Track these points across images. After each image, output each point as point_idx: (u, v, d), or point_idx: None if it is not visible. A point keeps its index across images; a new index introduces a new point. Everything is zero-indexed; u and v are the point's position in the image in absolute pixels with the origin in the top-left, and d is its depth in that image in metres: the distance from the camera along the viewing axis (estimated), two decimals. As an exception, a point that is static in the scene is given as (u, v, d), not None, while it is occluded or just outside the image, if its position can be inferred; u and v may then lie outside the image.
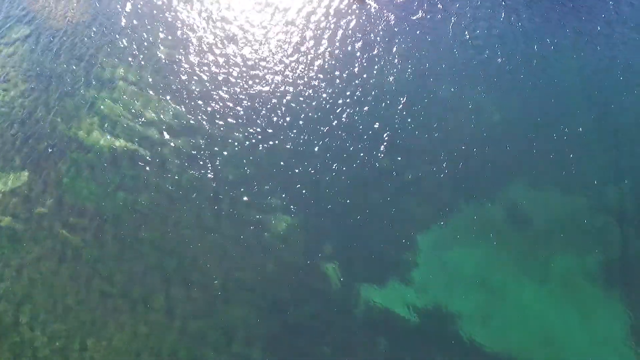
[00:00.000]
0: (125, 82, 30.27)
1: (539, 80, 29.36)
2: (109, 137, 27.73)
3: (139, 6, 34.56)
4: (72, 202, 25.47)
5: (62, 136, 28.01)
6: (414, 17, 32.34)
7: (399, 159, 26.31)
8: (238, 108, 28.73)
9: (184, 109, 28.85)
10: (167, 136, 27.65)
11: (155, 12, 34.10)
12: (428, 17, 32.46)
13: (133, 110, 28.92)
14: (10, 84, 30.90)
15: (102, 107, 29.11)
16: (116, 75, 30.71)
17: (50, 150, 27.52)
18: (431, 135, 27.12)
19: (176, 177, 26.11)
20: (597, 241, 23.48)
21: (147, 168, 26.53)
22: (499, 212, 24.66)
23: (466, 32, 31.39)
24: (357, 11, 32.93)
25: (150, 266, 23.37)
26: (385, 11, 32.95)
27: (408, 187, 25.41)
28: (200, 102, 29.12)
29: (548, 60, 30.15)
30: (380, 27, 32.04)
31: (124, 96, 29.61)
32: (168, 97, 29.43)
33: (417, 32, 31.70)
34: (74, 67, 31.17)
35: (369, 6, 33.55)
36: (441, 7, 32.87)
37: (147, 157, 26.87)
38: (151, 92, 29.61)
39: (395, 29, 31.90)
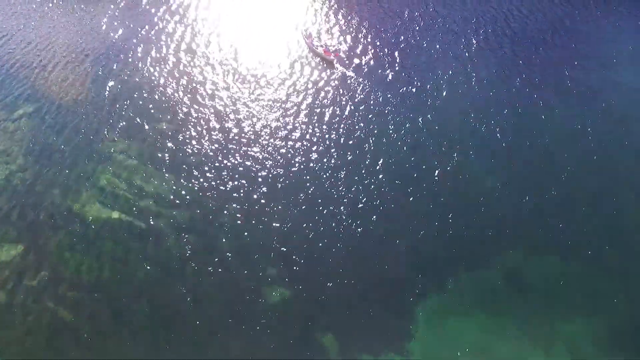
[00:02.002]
0: (124, 156, 31.19)
1: (529, 144, 30.87)
2: (106, 209, 28.03)
3: (139, 84, 36.57)
4: (66, 275, 25.13)
5: (59, 209, 28.25)
6: (396, 83, 34.60)
7: (394, 227, 26.72)
8: (233, 179, 29.48)
9: (181, 181, 29.52)
10: (163, 208, 28.03)
11: (155, 90, 36.05)
12: (415, 84, 34.68)
13: (131, 183, 29.53)
14: (11, 158, 31.65)
15: (100, 180, 29.72)
16: (116, 149, 31.71)
17: (46, 223, 27.59)
18: (425, 203, 27.83)
19: (172, 249, 26.11)
20: (600, 305, 23.48)
21: (143, 240, 26.57)
22: (498, 279, 24.74)
23: (441, 94, 33.45)
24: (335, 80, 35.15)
25: (144, 341, 22.61)
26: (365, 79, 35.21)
27: (404, 256, 25.55)
28: (196, 173, 29.90)
29: (537, 122, 31.98)
30: (365, 95, 34.04)
31: (123, 169, 30.37)
32: (165, 170, 30.22)
33: (397, 96, 33.68)
34: (75, 142, 32.21)
35: (339, 70, 36.25)
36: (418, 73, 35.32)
37: (144, 229, 27.02)
38: (149, 165, 30.45)
39: (378, 94, 33.90)
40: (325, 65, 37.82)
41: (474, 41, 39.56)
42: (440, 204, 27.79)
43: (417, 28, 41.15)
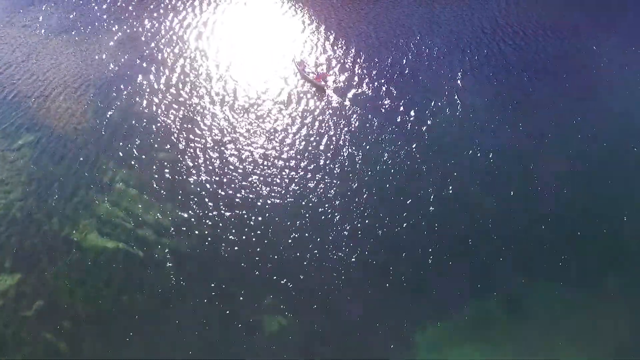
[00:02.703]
0: (124, 185, 31.58)
1: (527, 170, 31.63)
2: (104, 238, 28.21)
3: (139, 114, 37.29)
4: (62, 305, 25.07)
5: (57, 238, 28.39)
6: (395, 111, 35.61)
7: (391, 255, 27.06)
8: (231, 208, 29.87)
9: (179, 210, 29.85)
10: (162, 237, 28.26)
11: (154, 119, 36.76)
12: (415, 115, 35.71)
13: (129, 212, 29.81)
14: (11, 187, 31.89)
15: (99, 209, 29.99)
16: (116, 178, 32.10)
17: (44, 252, 27.69)
18: (422, 230, 28.26)
19: (170, 278, 26.21)
20: (603, 332, 23.66)
21: (141, 269, 26.69)
22: (498, 306, 24.95)
23: (433, 118, 34.44)
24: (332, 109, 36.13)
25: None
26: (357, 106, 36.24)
27: (402, 284, 25.79)
28: (194, 202, 30.26)
29: (531, 148, 32.94)
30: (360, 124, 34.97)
31: (122, 198, 30.70)
32: (164, 199, 30.58)
33: (391, 123, 34.59)
34: (75, 171, 32.61)
35: (331, 97, 37.75)
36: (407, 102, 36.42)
37: (142, 258, 27.17)
38: (148, 194, 30.82)
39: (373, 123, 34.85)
40: (317, 91, 39.11)
41: (465, 69, 40.95)
42: (437, 230, 28.23)
43: (410, 56, 42.51)
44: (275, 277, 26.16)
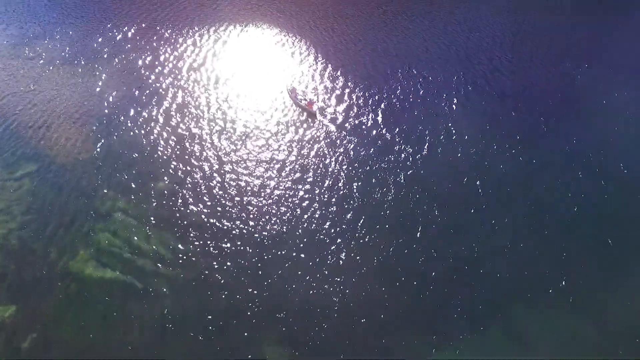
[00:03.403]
0: (123, 215, 31.77)
1: (529, 201, 32.15)
2: (102, 268, 28.21)
3: (139, 144, 37.86)
4: (58, 337, 24.84)
5: (55, 268, 28.35)
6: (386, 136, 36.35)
7: (389, 287, 27.15)
8: (229, 239, 30.06)
9: (177, 240, 30.00)
10: (160, 267, 28.30)
11: (154, 149, 37.32)
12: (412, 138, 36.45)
13: (128, 242, 29.91)
14: (10, 216, 31.99)
15: (98, 239, 30.08)
16: (115, 208, 32.33)
17: (41, 282, 27.61)
18: (418, 260, 28.46)
19: (168, 309, 26.12)
20: None
21: (139, 300, 26.60)
22: (502, 339, 24.91)
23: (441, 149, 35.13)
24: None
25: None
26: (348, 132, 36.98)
27: (401, 318, 25.80)
28: (193, 233, 30.45)
29: (524, 178, 33.59)
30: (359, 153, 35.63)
31: (121, 228, 30.84)
32: (163, 229, 30.75)
33: (384, 153, 35.25)
34: (75, 201, 32.82)
35: (324, 124, 38.83)
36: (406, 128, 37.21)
37: (140, 289, 27.13)
38: (147, 224, 31.01)
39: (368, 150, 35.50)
40: (308, 117, 40.33)
41: (459, 99, 42.12)
42: (434, 260, 28.44)
43: (402, 86, 43.69)
44: (273, 309, 26.13)
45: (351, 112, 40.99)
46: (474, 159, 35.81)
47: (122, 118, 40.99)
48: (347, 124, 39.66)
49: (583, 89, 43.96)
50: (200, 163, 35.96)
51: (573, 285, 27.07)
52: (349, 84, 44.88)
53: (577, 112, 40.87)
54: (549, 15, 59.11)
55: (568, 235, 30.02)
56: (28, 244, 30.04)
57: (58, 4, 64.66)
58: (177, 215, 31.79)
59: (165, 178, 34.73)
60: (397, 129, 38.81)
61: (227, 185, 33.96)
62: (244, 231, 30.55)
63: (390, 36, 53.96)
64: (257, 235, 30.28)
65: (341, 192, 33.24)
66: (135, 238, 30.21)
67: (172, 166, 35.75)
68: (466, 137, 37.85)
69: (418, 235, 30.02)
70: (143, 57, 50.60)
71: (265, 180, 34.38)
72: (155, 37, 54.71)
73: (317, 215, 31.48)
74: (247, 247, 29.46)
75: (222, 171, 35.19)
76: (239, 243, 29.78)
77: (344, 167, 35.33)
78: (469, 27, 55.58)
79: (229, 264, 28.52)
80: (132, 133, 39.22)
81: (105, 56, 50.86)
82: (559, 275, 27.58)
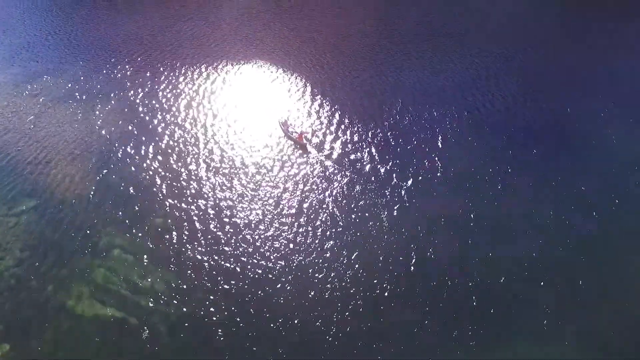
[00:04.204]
0: (120, 251, 31.93)
1: (525, 236, 32.55)
2: (99, 305, 28.15)
3: (139, 180, 38.44)
4: (52, 376, 24.56)
5: (51, 305, 28.25)
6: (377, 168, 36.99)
7: (389, 323, 27.14)
8: (227, 277, 30.18)
9: (174, 277, 30.09)
10: (158, 304, 28.27)
11: (152, 185, 37.87)
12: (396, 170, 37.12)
13: (126, 279, 29.97)
14: (6, 253, 32.08)
15: (95, 276, 30.13)
16: (112, 244, 32.51)
17: (36, 320, 27.43)
18: (414, 297, 28.56)
19: (165, 347, 25.95)
20: None
21: (136, 338, 26.44)
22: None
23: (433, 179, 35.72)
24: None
25: None
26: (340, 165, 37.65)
27: (399, 350, 25.70)
28: (191, 269, 30.58)
29: (529, 214, 34.03)
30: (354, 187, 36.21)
31: (118, 265, 30.95)
32: (160, 265, 30.88)
33: (377, 187, 35.83)
34: (73, 237, 33.01)
35: (315, 157, 40.35)
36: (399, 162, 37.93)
37: (137, 326, 27.00)
38: (144, 261, 31.15)
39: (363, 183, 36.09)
40: (299, 149, 41.64)
41: (450, 135, 43.16)
42: (431, 298, 28.53)
43: (395, 121, 44.81)
44: (272, 346, 26.02)
45: (346, 148, 41.95)
46: (469, 194, 36.43)
47: (121, 154, 41.74)
48: (342, 159, 40.51)
49: (575, 120, 45.24)
50: (197, 199, 36.45)
51: (581, 316, 27.14)
52: (344, 119, 46.08)
53: (571, 145, 41.88)
54: (539, 47, 61.36)
55: (567, 273, 30.32)
56: (23, 281, 30.02)
57: (59, 45, 66.78)
58: (174, 251, 31.98)
59: (163, 214, 35.09)
60: (391, 164, 39.65)
61: (223, 222, 34.32)
62: (240, 268, 30.71)
63: (385, 73, 55.75)
64: (253, 271, 30.43)
65: (337, 227, 33.64)
66: (132, 274, 30.27)
67: (169, 202, 36.19)
68: (460, 172, 38.65)
69: (412, 269, 30.24)
70: (141, 94, 51.93)
71: (261, 216, 34.80)
72: (152, 75, 56.32)
73: (312, 250, 31.75)
74: (243, 285, 29.55)
75: (218, 207, 35.63)
76: (234, 281, 29.87)
77: (339, 202, 35.87)
78: (463, 65, 57.48)
79: (225, 300, 28.54)
80: (130, 169, 39.85)
81: (105, 93, 52.20)
82: (564, 306, 27.73)
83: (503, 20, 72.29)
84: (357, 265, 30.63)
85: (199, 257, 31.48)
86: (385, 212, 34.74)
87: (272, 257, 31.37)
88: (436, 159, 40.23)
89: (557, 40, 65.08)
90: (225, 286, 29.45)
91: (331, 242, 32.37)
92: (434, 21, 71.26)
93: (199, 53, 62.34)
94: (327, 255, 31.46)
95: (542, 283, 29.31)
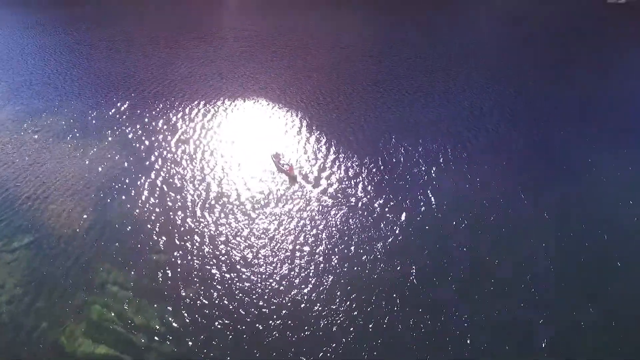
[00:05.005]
0: (117, 287, 32.07)
1: (518, 267, 32.94)
2: (93, 343, 28.09)
3: (135, 215, 38.91)
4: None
5: (45, 343, 28.15)
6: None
7: (379, 352, 27.21)
8: (223, 314, 30.28)
9: (171, 314, 30.13)
10: (153, 342, 28.24)
11: (149, 220, 38.31)
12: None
13: (121, 315, 29.99)
14: (3, 290, 32.12)
15: (90, 312, 30.15)
16: (108, 280, 32.66)
17: (29, 359, 27.26)
18: (409, 331, 28.71)
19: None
20: None
21: (129, 376, 26.34)
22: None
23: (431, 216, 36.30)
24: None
25: None
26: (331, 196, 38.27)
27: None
28: (187, 307, 30.65)
29: (520, 245, 34.53)
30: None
31: (114, 301, 31.02)
32: (156, 302, 30.96)
33: (370, 223, 36.38)
34: (70, 274, 33.17)
35: (298, 184, 41.82)
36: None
37: (130, 364, 26.93)
38: (141, 297, 31.25)
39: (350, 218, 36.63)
40: (289, 181, 42.92)
41: (443, 169, 44.11)
42: (423, 333, 28.68)
43: (389, 157, 45.89)
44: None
45: (341, 182, 42.77)
46: (461, 228, 37.07)
47: (118, 190, 42.35)
48: (336, 193, 41.21)
49: (565, 150, 46.53)
50: (193, 236, 36.85)
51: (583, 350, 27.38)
52: (338, 153, 47.17)
53: (561, 175, 42.96)
54: (528, 81, 63.57)
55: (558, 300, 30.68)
56: (18, 319, 29.96)
57: (59, 83, 68.50)
58: (169, 288, 32.12)
59: (158, 250, 35.39)
60: (384, 197, 40.43)
61: (218, 259, 34.63)
62: (235, 306, 30.83)
63: (378, 108, 57.32)
64: (248, 309, 30.54)
65: (331, 262, 34.01)
66: (127, 311, 30.31)
67: (165, 239, 36.55)
68: (452, 206, 39.42)
69: (407, 310, 30.45)
70: (139, 130, 53.08)
71: (256, 253, 35.08)
72: (149, 111, 57.73)
73: (307, 286, 32.00)
74: (239, 324, 29.60)
75: (213, 244, 35.99)
76: (229, 319, 29.93)
77: (333, 237, 36.35)
78: (452, 99, 59.34)
79: (220, 339, 28.55)
80: (127, 205, 40.37)
81: (103, 130, 53.34)
82: (568, 341, 27.94)
83: (489, 55, 75.09)
84: (353, 301, 30.86)
85: (195, 294, 31.63)
86: (380, 246, 35.24)
87: (267, 295, 31.54)
88: (428, 192, 41.10)
89: (540, 73, 67.49)
90: (220, 324, 29.51)
91: (327, 277, 32.69)
92: (424, 59, 73.94)
93: (195, 90, 64.07)
94: (323, 290, 31.70)
95: (540, 320, 29.66)
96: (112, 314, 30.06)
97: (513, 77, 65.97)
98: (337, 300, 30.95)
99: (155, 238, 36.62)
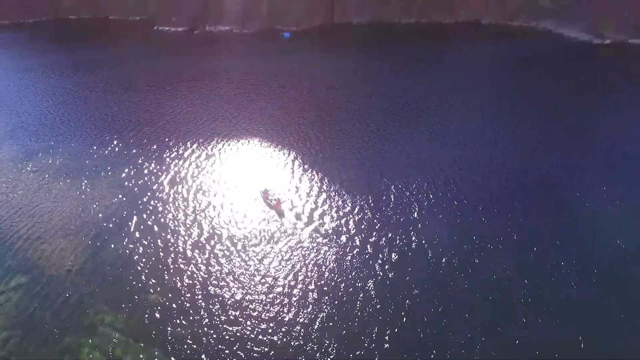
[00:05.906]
0: (108, 328, 32.12)
1: (511, 306, 33.39)
2: (82, 387, 27.91)
3: (129, 255, 39.30)
4: None
5: (34, 387, 27.95)
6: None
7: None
8: (215, 354, 30.31)
9: (162, 355, 30.14)
10: (143, 383, 28.12)
11: (143, 260, 38.70)
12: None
13: (111, 357, 29.90)
14: (-8, 332, 32.00)
15: (79, 354, 30.07)
16: (100, 321, 32.73)
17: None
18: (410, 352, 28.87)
19: None
20: None
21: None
22: None
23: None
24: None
25: None
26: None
27: None
28: (180, 349, 30.69)
29: (515, 282, 35.02)
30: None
31: (105, 342, 31.04)
32: (148, 343, 30.99)
33: (362, 262, 36.88)
34: (61, 315, 33.27)
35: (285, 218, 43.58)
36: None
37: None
38: (134, 338, 31.30)
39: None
40: (278, 216, 44.07)
41: (430, 206, 45.05)
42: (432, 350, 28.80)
43: (379, 196, 46.91)
44: None
45: (332, 220, 43.57)
46: (454, 266, 37.47)
47: (111, 230, 42.83)
48: (328, 232, 41.91)
49: (556, 186, 47.79)
50: (185, 276, 37.19)
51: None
52: (329, 191, 48.14)
53: (552, 210, 44.01)
54: (509, 118, 65.73)
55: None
56: (7, 361, 29.80)
57: (55, 123, 69.90)
58: (162, 329, 32.21)
59: (151, 291, 35.61)
60: (375, 237, 41.18)
61: (211, 299, 34.87)
62: (226, 345, 30.94)
63: (368, 147, 58.75)
64: (238, 351, 30.64)
65: (321, 302, 34.35)
66: (118, 352, 30.30)
67: (157, 280, 36.80)
68: (441, 243, 40.09)
69: (399, 350, 30.64)
70: (133, 170, 54.05)
71: (248, 294, 35.36)
72: (143, 151, 58.82)
73: (300, 328, 32.21)
74: (231, 360, 29.71)
75: (206, 285, 36.29)
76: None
77: (323, 276, 36.82)
78: (440, 138, 61.08)
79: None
80: (120, 245, 40.77)
81: (98, 169, 54.29)
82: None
83: (474, 94, 77.75)
84: (343, 342, 31.07)
85: (188, 335, 31.70)
86: (370, 285, 35.69)
87: (259, 338, 31.65)
88: (419, 231, 41.91)
89: (526, 110, 69.74)
90: (212, 363, 29.52)
91: (317, 317, 32.96)
92: (415, 98, 76.43)
93: (189, 130, 65.43)
94: (313, 330, 31.92)
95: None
96: (103, 356, 29.97)
97: (501, 117, 68.13)
98: (327, 341, 31.15)
99: (145, 279, 36.88)
